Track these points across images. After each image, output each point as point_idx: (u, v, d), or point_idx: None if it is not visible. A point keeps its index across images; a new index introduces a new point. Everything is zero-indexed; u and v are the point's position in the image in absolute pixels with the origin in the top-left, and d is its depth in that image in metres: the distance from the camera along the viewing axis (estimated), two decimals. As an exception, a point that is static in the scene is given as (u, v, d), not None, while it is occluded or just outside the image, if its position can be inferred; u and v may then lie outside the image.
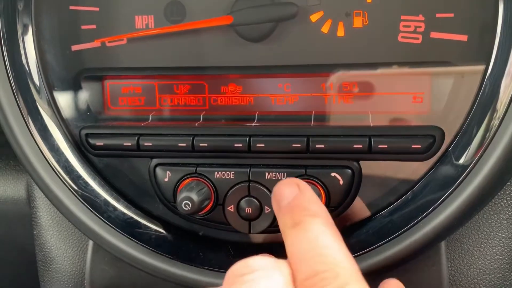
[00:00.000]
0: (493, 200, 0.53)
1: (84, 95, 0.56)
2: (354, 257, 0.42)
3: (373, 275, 0.50)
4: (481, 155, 0.45)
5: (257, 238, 0.53)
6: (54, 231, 0.62)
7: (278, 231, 0.50)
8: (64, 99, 0.55)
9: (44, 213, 0.63)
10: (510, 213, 0.54)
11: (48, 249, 0.62)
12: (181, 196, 0.49)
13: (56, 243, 0.62)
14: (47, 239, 0.62)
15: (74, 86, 0.56)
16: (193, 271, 0.50)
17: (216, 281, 0.49)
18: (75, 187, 0.52)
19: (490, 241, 0.54)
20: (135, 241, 0.51)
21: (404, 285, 0.54)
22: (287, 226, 0.39)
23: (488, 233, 0.54)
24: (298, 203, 0.40)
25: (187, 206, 0.49)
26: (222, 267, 0.50)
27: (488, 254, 0.54)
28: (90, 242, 0.60)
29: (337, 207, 0.49)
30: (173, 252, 0.51)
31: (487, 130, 0.46)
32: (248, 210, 0.50)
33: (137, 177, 0.54)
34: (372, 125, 0.50)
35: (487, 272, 0.54)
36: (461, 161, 0.46)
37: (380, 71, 0.51)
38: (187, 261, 0.51)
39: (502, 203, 0.54)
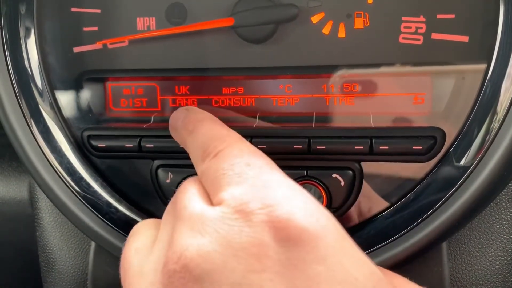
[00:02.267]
0: (494, 200, 0.54)
1: (86, 97, 0.56)
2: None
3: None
4: (482, 157, 0.45)
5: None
6: (57, 233, 0.63)
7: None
8: (66, 101, 0.55)
9: (47, 215, 0.63)
10: (511, 214, 0.54)
11: (51, 251, 0.63)
12: None
13: (58, 244, 0.62)
14: (49, 240, 0.63)
15: (76, 88, 0.56)
16: None
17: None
18: (77, 189, 0.53)
19: (491, 242, 0.54)
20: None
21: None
22: (184, 137, 0.45)
23: (489, 233, 0.54)
24: (189, 118, 0.45)
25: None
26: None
27: (489, 254, 0.54)
28: (93, 244, 0.61)
29: (338, 208, 0.49)
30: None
31: (487, 131, 0.46)
32: None
33: (139, 179, 0.54)
34: (373, 126, 0.50)
35: (488, 273, 0.54)
36: (462, 162, 0.46)
37: (381, 71, 0.51)
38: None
39: (503, 204, 0.54)
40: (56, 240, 0.62)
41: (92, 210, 0.52)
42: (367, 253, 0.48)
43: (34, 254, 0.77)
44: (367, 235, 0.49)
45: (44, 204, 0.63)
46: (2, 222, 0.78)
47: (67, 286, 0.61)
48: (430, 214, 0.46)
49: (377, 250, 0.47)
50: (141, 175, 0.54)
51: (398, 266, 0.51)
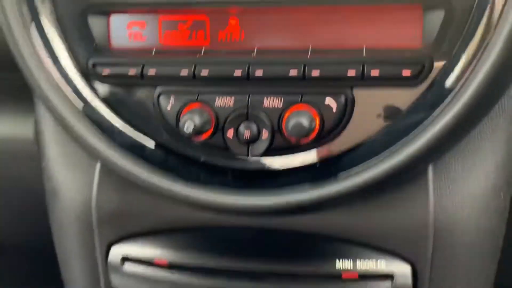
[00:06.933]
0: (478, 130, 0.56)
1: (90, 29, 0.58)
2: (347, 174, 0.48)
3: (366, 192, 0.53)
4: (466, 79, 0.48)
5: (255, 163, 0.56)
6: (62, 163, 0.65)
7: (276, 154, 0.54)
8: (71, 33, 0.58)
9: (52, 146, 0.66)
10: (494, 143, 0.57)
11: (56, 180, 0.66)
12: (183, 119, 0.52)
13: (63, 173, 0.65)
14: (55, 170, 0.66)
15: (81, 21, 0.58)
16: (196, 189, 0.54)
17: (219, 199, 0.53)
18: (85, 111, 0.55)
19: (475, 170, 0.57)
20: (141, 161, 0.54)
21: (392, 211, 0.58)
22: None
23: (473, 161, 0.57)
24: None
25: (189, 128, 0.52)
26: (224, 186, 0.54)
27: (472, 181, 0.57)
28: (97, 171, 0.64)
29: (330, 132, 0.52)
30: (177, 173, 0.54)
31: (473, 57, 0.48)
32: (247, 133, 0.53)
33: (142, 106, 0.56)
34: (365, 55, 0.52)
35: (471, 199, 0.57)
36: (448, 85, 0.49)
37: (372, 3, 0.53)
38: (190, 181, 0.54)
39: (487, 132, 0.57)
40: (61, 170, 0.65)
41: (98, 130, 0.55)
42: (358, 167, 0.51)
43: (38, 194, 0.80)
44: (357, 154, 0.52)
45: (49, 136, 0.66)
46: (8, 161, 0.81)
47: (72, 212, 0.64)
48: (417, 132, 0.49)
49: (367, 165, 0.50)
50: (143, 102, 0.56)
51: (388, 185, 0.55)
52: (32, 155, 0.77)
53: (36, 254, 1.03)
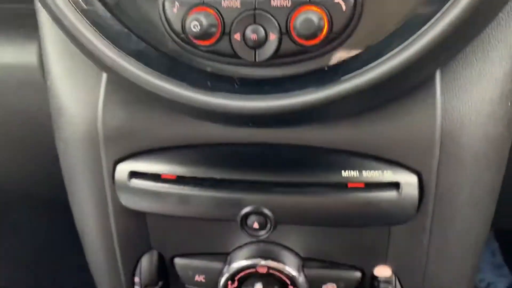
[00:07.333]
0: (486, 37, 0.56)
1: None
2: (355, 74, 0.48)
3: (373, 97, 0.53)
4: None
5: (262, 70, 0.56)
6: (67, 79, 0.65)
7: (283, 60, 0.54)
8: None
9: (57, 62, 0.65)
10: (502, 51, 0.57)
11: (61, 97, 0.65)
12: (189, 20, 0.52)
13: (69, 90, 0.65)
14: (60, 87, 0.65)
15: None
16: (204, 94, 0.53)
17: (227, 103, 0.53)
18: (89, 18, 0.55)
19: (483, 77, 0.57)
20: (147, 67, 0.54)
21: (399, 120, 0.58)
22: None
23: (481, 70, 0.57)
24: None
25: (196, 27, 0.51)
26: (230, 92, 0.54)
27: (480, 88, 0.57)
28: (103, 87, 0.63)
29: (339, 33, 0.52)
30: (184, 79, 0.54)
31: None
32: (254, 37, 0.52)
33: (146, 12, 0.55)
34: None
35: (478, 105, 0.57)
36: None
37: None
38: (197, 87, 0.54)
39: (495, 41, 0.56)
40: (66, 86, 0.65)
41: (104, 37, 0.54)
42: (365, 67, 0.51)
43: (42, 125, 0.80)
44: (367, 56, 0.51)
45: (53, 53, 0.65)
46: (12, 88, 0.81)
47: (78, 128, 0.64)
48: (426, 27, 0.48)
49: (376, 64, 0.50)
50: (149, 9, 0.55)
51: (395, 91, 0.55)
52: (37, 82, 0.77)
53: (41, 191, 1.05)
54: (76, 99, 0.65)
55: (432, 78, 0.57)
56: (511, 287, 1.57)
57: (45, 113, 0.73)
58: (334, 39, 0.52)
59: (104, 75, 0.64)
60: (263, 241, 0.69)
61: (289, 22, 0.52)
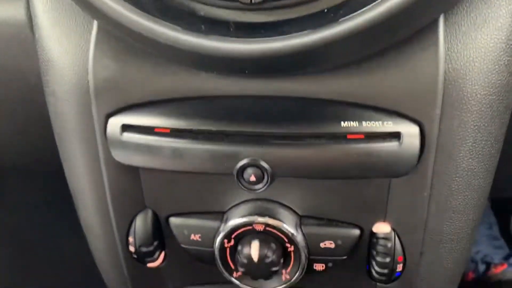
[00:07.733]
0: None
1: None
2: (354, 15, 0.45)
3: (373, 41, 0.51)
4: None
5: (259, 15, 0.53)
6: (56, 30, 0.62)
7: (281, 8, 0.52)
8: None
9: (45, 13, 0.63)
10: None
11: (50, 49, 0.63)
12: None
13: (58, 42, 0.62)
14: (49, 39, 0.63)
15: None
16: (198, 37, 0.51)
17: (218, 44, 0.51)
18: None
19: (488, 23, 0.55)
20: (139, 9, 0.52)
21: (400, 68, 0.56)
22: None
23: (486, 15, 0.55)
24: None
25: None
26: (225, 36, 0.51)
27: (484, 35, 0.55)
28: (93, 38, 0.61)
29: None
30: (177, 22, 0.52)
31: None
32: None
33: None
34: None
35: (482, 52, 0.55)
36: None
37: None
38: (191, 30, 0.52)
39: None
40: (55, 37, 0.62)
41: None
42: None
43: (31, 82, 0.77)
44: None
45: (40, 2, 0.63)
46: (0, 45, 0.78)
47: (68, 80, 0.62)
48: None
49: (374, 4, 0.47)
50: None
51: (397, 36, 0.52)
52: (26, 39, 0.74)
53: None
54: (65, 50, 0.62)
55: (435, 24, 0.55)
56: (506, 259, 1.57)
57: (35, 73, 0.71)
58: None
59: (95, 25, 0.61)
60: (260, 199, 0.68)
61: (287, -40, 0.50)
